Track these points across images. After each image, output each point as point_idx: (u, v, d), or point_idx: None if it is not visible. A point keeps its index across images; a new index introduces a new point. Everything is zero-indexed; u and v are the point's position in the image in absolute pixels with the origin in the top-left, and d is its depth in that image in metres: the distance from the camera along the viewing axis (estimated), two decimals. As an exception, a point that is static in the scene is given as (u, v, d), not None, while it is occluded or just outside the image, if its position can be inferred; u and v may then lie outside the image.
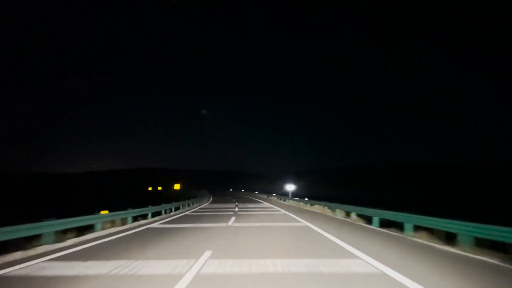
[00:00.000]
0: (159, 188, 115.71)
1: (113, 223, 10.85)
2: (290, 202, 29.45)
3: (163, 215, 17.15)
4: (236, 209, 22.28)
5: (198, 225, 12.10)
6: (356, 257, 6.10)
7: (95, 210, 10.51)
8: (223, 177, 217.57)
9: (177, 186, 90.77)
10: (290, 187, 32.53)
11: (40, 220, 7.50)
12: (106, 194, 72.42)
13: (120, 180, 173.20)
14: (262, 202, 31.31)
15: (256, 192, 59.97)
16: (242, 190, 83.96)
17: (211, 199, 40.75)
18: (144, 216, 14.23)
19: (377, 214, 11.23)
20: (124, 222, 11.71)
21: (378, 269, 5.16)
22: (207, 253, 6.37)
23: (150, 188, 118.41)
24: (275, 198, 37.71)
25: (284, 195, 37.06)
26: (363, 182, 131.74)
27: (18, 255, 6.32)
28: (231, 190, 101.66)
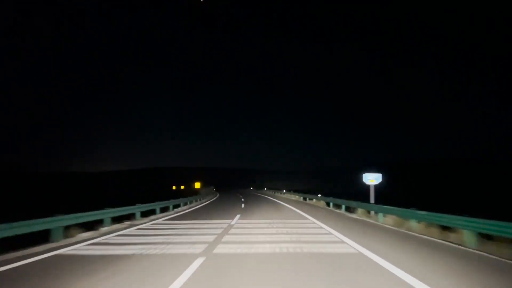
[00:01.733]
0: (182, 187, 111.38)
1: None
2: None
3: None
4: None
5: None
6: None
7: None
8: (246, 175, 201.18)
9: (197, 185, 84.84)
10: (372, 179, 12.35)
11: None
12: (141, 190, 71.72)
13: (145, 179, 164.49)
14: (304, 217, 12.23)
15: (284, 191, 40.38)
16: (265, 189, 64.74)
17: (205, 202, 22.36)
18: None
19: None
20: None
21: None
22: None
23: (174, 187, 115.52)
24: (331, 208, 18.27)
25: (338, 196, 17.56)
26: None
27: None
28: (251, 188, 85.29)
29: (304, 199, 25.05)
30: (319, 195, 20.63)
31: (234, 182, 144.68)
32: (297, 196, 28.58)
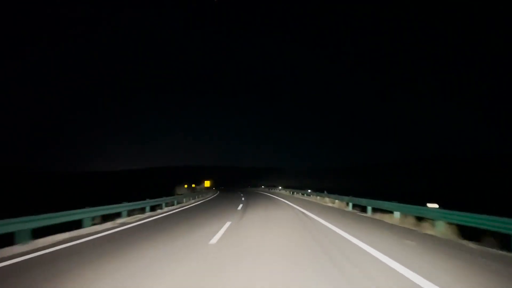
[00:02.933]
0: (193, 185, 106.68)
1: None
2: None
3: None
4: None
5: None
6: None
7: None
8: (259, 174, 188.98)
9: (207, 184, 76.72)
10: None
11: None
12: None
13: (160, 177, 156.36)
14: None
15: (309, 190, 27.22)
16: (279, 188, 51.34)
17: (162, 214, 10.09)
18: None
19: None
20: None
21: None
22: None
23: (186, 186, 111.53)
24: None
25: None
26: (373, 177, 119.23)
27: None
28: (262, 186, 72.09)
29: (362, 209, 12.34)
30: (435, 206, 7.68)
31: (246, 180, 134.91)
32: (337, 202, 15.81)
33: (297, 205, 15.64)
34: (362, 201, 12.00)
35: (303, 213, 11.62)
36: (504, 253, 5.05)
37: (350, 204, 13.77)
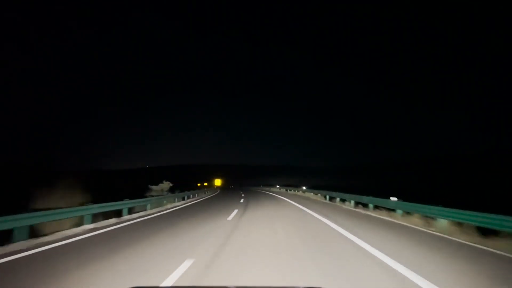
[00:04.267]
0: (205, 184, 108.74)
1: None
2: None
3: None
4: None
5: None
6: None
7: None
8: (271, 172, 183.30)
9: (218, 182, 79.79)
10: None
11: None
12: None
13: (173, 176, 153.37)
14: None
15: (394, 199, 11.88)
16: (304, 188, 33.08)
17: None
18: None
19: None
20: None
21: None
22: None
23: (199, 184, 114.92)
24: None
25: None
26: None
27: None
28: (277, 186, 59.01)
29: None
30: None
31: (257, 178, 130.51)
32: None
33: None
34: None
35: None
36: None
37: None
